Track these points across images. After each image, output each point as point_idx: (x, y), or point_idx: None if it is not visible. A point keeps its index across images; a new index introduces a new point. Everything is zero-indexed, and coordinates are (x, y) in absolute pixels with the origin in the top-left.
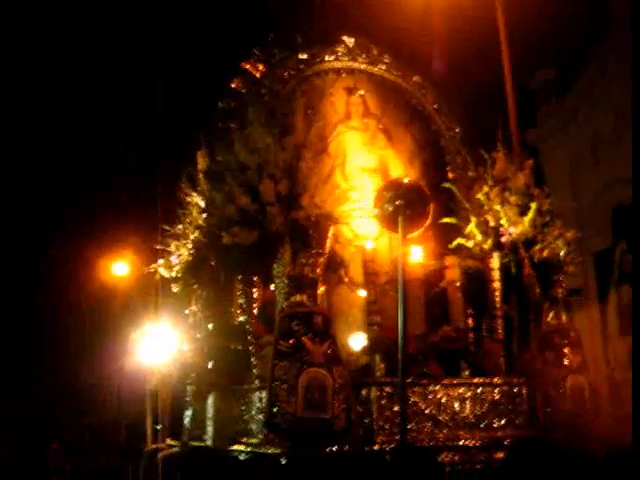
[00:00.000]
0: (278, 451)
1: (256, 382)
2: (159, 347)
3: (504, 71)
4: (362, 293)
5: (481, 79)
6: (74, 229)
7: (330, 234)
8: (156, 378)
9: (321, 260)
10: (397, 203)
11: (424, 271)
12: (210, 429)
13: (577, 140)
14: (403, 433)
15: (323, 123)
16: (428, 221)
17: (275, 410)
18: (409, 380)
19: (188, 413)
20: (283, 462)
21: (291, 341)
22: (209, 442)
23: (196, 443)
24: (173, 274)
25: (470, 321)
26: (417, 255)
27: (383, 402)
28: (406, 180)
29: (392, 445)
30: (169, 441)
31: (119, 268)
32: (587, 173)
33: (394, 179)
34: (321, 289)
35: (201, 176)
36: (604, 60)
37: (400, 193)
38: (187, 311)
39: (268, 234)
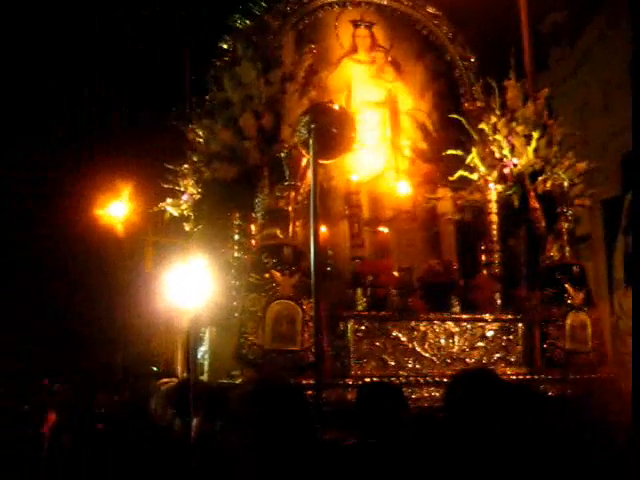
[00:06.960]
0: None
1: (235, 315)
2: (180, 287)
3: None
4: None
5: (494, 14)
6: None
7: (303, 165)
8: (181, 317)
9: (294, 193)
10: (312, 127)
11: (416, 204)
12: (206, 363)
13: (588, 86)
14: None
15: (317, 56)
16: (351, 147)
17: (242, 341)
18: (387, 313)
19: (202, 349)
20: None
21: (261, 273)
22: (204, 376)
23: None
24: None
25: (465, 255)
26: (405, 188)
27: (360, 335)
28: (331, 105)
29: (366, 379)
30: (184, 376)
31: (117, 208)
32: (597, 119)
33: (315, 103)
34: (298, 223)
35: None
36: (616, 5)
37: (317, 117)
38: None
39: (247, 168)
